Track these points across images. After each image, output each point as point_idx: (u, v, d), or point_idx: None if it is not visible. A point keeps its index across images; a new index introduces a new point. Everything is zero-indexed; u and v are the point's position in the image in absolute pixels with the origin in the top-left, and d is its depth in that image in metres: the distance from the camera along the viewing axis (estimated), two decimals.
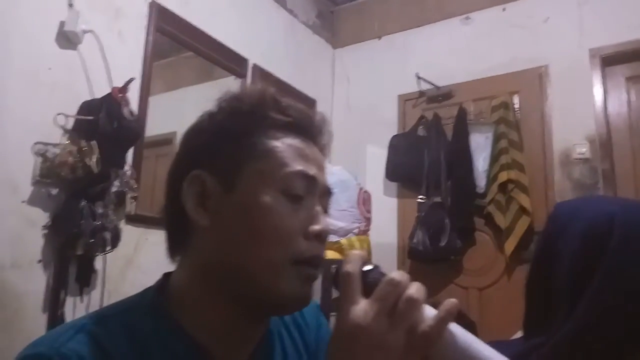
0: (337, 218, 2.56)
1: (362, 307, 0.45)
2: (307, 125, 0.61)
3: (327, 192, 0.61)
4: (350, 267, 0.48)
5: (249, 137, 0.57)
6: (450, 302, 0.46)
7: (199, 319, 0.57)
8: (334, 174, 2.68)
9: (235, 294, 0.56)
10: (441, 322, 0.45)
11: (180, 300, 0.58)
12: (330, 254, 2.38)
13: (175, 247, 0.61)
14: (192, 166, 0.58)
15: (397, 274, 0.47)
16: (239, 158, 0.57)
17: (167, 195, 0.61)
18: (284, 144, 0.58)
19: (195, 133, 0.61)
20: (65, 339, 0.50)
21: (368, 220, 2.73)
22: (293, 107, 0.61)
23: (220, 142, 0.58)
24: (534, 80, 2.83)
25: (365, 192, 2.78)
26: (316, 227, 0.57)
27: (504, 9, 3.01)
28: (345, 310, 0.46)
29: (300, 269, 0.55)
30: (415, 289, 0.46)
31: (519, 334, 0.77)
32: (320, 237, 0.57)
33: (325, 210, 0.61)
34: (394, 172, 3.07)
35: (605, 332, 0.62)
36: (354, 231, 2.61)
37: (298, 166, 0.57)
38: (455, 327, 0.47)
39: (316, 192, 0.59)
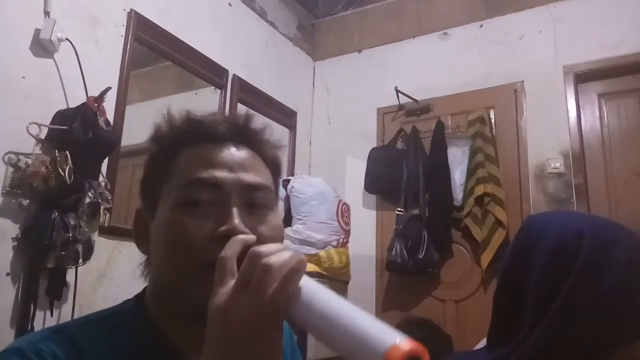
0: (316, 230, 2.55)
1: (227, 289, 0.43)
2: (215, 129, 0.61)
3: (247, 189, 0.59)
4: (226, 251, 0.46)
5: (166, 164, 0.61)
6: (296, 257, 0.43)
7: (168, 329, 0.59)
8: (313, 185, 2.68)
9: (176, 307, 0.58)
10: (285, 280, 0.41)
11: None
12: (309, 267, 2.37)
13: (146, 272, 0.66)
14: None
15: (264, 247, 0.43)
16: (158, 184, 0.61)
17: None
18: (188, 155, 0.60)
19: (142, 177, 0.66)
20: (44, 337, 0.53)
21: (347, 233, 2.73)
22: (202, 117, 0.62)
23: (147, 181, 0.64)
24: (510, 95, 2.88)
25: (345, 204, 2.78)
26: (222, 228, 0.55)
27: (481, 26, 3.07)
28: (212, 295, 0.44)
29: (211, 272, 0.49)
30: (274, 258, 0.42)
31: (482, 343, 0.78)
32: (229, 237, 0.51)
33: (259, 206, 0.59)
34: (372, 184, 3.08)
35: (571, 343, 0.64)
36: (333, 243, 2.60)
37: (196, 174, 0.58)
38: (310, 284, 0.42)
39: (225, 193, 0.57)
